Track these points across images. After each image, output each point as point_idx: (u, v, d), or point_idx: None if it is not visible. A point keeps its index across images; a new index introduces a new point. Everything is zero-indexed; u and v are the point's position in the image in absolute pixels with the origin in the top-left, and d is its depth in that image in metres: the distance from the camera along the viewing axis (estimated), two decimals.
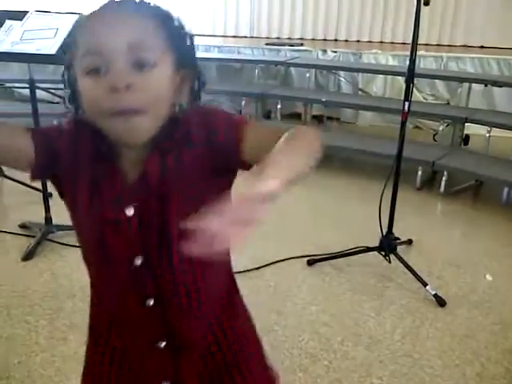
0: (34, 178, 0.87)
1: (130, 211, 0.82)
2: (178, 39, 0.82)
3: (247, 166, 0.75)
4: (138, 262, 0.85)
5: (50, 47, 2.43)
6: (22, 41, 2.49)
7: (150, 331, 0.90)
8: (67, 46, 0.83)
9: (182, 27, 0.83)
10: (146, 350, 0.91)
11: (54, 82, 5.11)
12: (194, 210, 0.61)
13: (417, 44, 2.32)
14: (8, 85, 5.61)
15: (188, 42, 0.84)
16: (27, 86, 2.75)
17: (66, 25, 2.53)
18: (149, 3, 0.82)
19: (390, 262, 2.48)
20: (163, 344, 0.90)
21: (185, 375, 0.92)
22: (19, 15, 2.57)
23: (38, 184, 2.84)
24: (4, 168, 3.33)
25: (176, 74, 0.81)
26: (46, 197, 2.73)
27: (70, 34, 0.84)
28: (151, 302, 0.87)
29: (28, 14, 2.58)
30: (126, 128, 0.77)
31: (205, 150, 0.82)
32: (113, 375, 0.94)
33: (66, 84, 0.83)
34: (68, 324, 2.10)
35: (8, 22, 2.57)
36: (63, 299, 2.26)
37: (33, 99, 2.64)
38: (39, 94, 2.82)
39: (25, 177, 2.98)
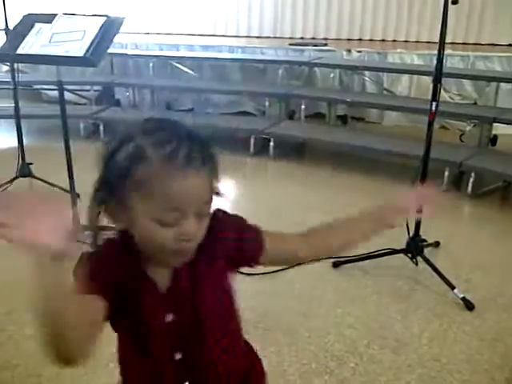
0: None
1: (168, 317, 0.90)
2: (218, 175, 0.88)
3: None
4: (178, 356, 0.93)
5: (78, 49, 2.47)
6: (50, 43, 2.53)
7: None
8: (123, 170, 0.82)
9: (217, 161, 0.87)
10: None
11: (80, 83, 5.24)
12: (220, 301, 0.87)
13: (444, 43, 2.28)
14: (36, 86, 5.72)
15: (218, 165, 0.89)
16: (55, 87, 2.80)
17: (92, 27, 2.56)
18: (206, 145, 0.85)
19: (416, 264, 2.45)
20: None
21: None
22: (48, 18, 2.62)
23: (66, 185, 2.88)
24: (32, 168, 3.39)
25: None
26: (74, 198, 2.77)
27: (121, 156, 0.82)
28: None
29: (57, 17, 2.63)
30: (178, 257, 0.87)
31: (230, 255, 0.94)
32: None
33: (100, 199, 0.86)
34: None
35: (37, 25, 2.62)
36: None
37: (61, 101, 2.68)
38: (66, 95, 2.86)
39: (54, 178, 3.03)
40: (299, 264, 1.11)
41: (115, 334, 0.96)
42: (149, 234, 0.83)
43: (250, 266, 0.98)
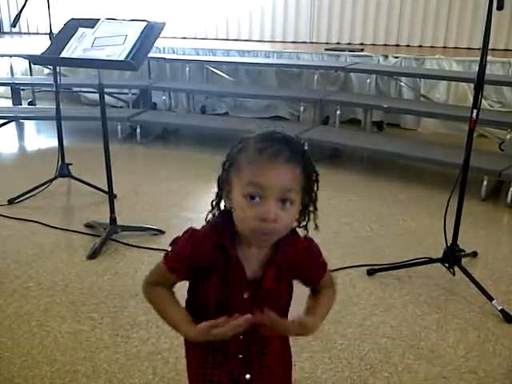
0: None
1: (246, 295, 1.12)
2: (311, 181, 1.07)
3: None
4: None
5: (120, 53, 2.52)
6: (93, 47, 2.59)
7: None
8: (231, 161, 1.06)
9: (315, 170, 1.07)
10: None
11: (118, 86, 5.34)
12: (279, 295, 1.15)
13: (487, 49, 2.23)
14: (75, 89, 5.86)
15: (315, 180, 1.08)
16: (95, 90, 2.85)
17: (134, 32, 2.61)
18: (297, 148, 1.04)
19: (454, 274, 2.40)
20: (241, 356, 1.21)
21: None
22: (91, 23, 2.68)
23: (103, 185, 2.94)
24: (71, 168, 3.47)
25: (302, 202, 1.07)
26: (111, 198, 2.83)
27: (234, 153, 1.08)
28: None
29: (99, 22, 2.69)
30: (261, 240, 1.06)
31: (297, 270, 1.16)
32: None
33: (220, 182, 1.09)
34: (131, 322, 2.16)
35: (80, 30, 2.68)
36: (127, 298, 2.33)
37: (102, 103, 2.74)
38: (105, 98, 2.91)
39: (91, 178, 3.10)
40: None
41: None
42: (239, 209, 1.03)
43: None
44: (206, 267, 1.09)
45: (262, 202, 0.99)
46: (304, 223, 1.11)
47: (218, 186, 1.09)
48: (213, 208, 1.12)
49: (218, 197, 1.10)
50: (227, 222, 1.08)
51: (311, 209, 1.10)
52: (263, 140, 1.03)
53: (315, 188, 1.09)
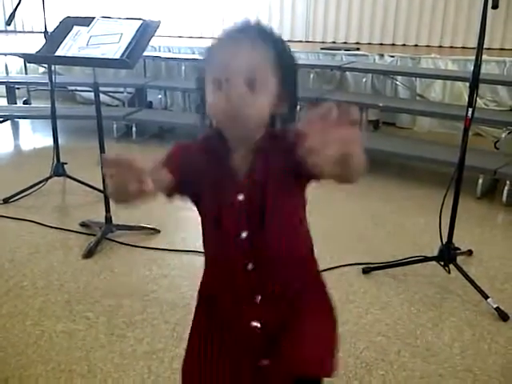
0: (172, 196, 1.10)
1: (240, 196, 1.06)
2: (285, 64, 1.00)
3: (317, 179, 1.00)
4: (244, 235, 1.08)
5: (115, 52, 2.51)
6: (88, 46, 2.58)
7: (249, 289, 1.11)
8: (201, 64, 1.03)
9: (291, 55, 1.02)
10: (244, 303, 1.12)
11: (113, 85, 5.32)
12: (283, 196, 1.05)
13: (482, 48, 2.24)
14: (70, 88, 5.84)
15: (292, 66, 1.03)
16: (91, 89, 2.84)
17: (129, 30, 2.61)
18: (265, 29, 1.01)
19: (449, 272, 2.40)
20: (259, 298, 1.11)
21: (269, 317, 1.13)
22: (86, 21, 2.67)
23: (98, 184, 2.94)
24: (66, 167, 3.46)
25: (278, 92, 1.01)
26: (107, 197, 2.82)
27: (203, 55, 1.05)
28: (250, 267, 1.09)
29: (94, 20, 2.68)
30: (234, 128, 1.00)
31: (290, 159, 0.97)
32: (213, 329, 1.16)
33: (198, 96, 1.06)
34: (127, 322, 2.15)
35: (75, 28, 2.67)
36: (122, 297, 2.32)
37: (97, 102, 2.73)
38: (100, 96, 2.90)
39: (87, 177, 3.10)
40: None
41: None
42: (210, 99, 1.00)
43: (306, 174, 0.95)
44: (197, 173, 1.06)
45: (227, 84, 0.96)
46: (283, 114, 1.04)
47: (197, 89, 1.06)
48: (198, 115, 1.08)
49: (200, 100, 1.06)
50: (214, 132, 1.06)
51: (292, 104, 1.04)
52: (231, 29, 1.02)
53: (294, 76, 1.03)
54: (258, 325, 1.12)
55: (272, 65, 0.98)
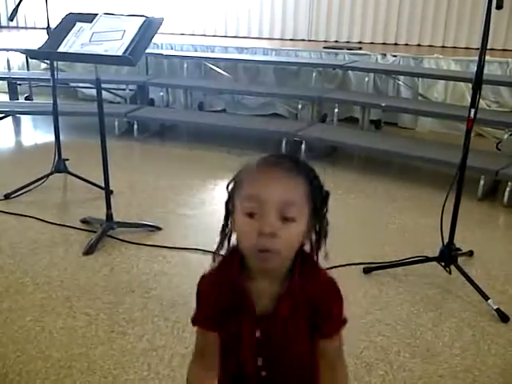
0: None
1: (258, 333, 1.05)
2: (317, 198, 0.99)
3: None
4: (260, 362, 1.08)
5: (117, 48, 2.51)
6: (91, 42, 2.58)
7: None
8: (235, 181, 1.00)
9: (322, 186, 1.01)
10: None
11: (115, 82, 5.32)
12: (296, 335, 1.03)
13: (486, 49, 2.23)
14: (72, 84, 5.83)
15: (324, 198, 1.01)
16: (92, 85, 2.84)
17: (132, 27, 2.60)
18: (300, 163, 0.99)
19: (450, 273, 2.40)
20: None
21: None
22: (89, 18, 2.67)
23: (100, 181, 2.93)
24: (67, 164, 3.46)
25: (309, 223, 1.00)
26: (108, 194, 2.82)
27: (237, 174, 1.03)
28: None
29: (97, 17, 2.67)
30: (262, 260, 0.97)
31: (313, 313, 1.05)
32: None
33: (224, 217, 1.04)
34: (127, 319, 2.16)
35: (78, 25, 2.67)
36: (122, 294, 2.32)
37: (99, 99, 2.72)
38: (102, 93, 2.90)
39: (88, 174, 3.09)
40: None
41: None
42: (239, 227, 0.98)
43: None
44: (228, 309, 1.04)
45: (260, 216, 0.94)
46: (312, 246, 1.04)
47: (225, 211, 1.03)
48: (221, 236, 1.05)
49: (225, 220, 1.04)
50: (235, 255, 1.02)
51: (321, 233, 1.03)
52: (265, 156, 1.00)
53: (325, 209, 1.01)
54: None
55: (305, 198, 0.97)
